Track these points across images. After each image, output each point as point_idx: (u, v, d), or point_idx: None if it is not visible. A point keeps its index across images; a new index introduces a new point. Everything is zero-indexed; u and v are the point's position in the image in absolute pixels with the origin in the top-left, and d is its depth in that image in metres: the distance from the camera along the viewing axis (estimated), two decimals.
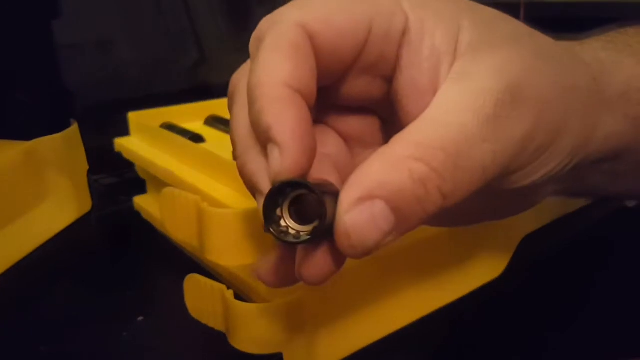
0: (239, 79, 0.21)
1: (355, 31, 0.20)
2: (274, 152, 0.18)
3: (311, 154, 0.18)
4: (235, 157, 0.21)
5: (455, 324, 0.33)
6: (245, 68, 0.21)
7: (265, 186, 0.19)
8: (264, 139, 0.19)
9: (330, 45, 0.19)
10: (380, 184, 0.17)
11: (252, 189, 0.20)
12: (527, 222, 0.37)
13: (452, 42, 0.20)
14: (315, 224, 0.17)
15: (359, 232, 0.17)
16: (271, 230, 0.17)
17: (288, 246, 0.19)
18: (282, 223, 0.18)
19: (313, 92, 0.19)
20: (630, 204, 0.44)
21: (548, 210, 0.39)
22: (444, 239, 0.32)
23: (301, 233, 0.17)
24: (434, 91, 0.20)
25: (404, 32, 0.20)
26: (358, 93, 0.22)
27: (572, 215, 0.40)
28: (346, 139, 0.23)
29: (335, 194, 0.18)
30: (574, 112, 0.21)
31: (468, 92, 0.19)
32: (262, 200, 0.18)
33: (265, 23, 0.20)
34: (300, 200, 0.18)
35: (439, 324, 0.32)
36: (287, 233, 0.18)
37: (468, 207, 0.21)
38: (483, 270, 0.35)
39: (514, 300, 0.35)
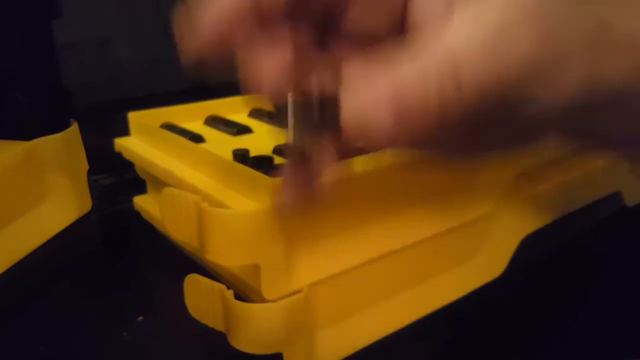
0: None
1: None
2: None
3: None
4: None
5: (455, 324, 0.33)
6: None
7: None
8: None
9: None
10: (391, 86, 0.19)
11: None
12: (528, 222, 0.37)
13: None
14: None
15: (365, 125, 0.19)
16: None
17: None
18: None
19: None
20: (631, 203, 0.44)
21: (548, 210, 0.39)
22: (444, 239, 0.32)
23: None
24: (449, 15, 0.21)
25: None
26: (370, 20, 0.23)
27: (572, 215, 0.40)
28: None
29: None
30: (581, 43, 0.22)
31: (483, 11, 0.20)
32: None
33: None
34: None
35: (439, 323, 0.32)
36: None
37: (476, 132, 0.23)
38: (483, 270, 0.35)
39: (514, 300, 0.35)
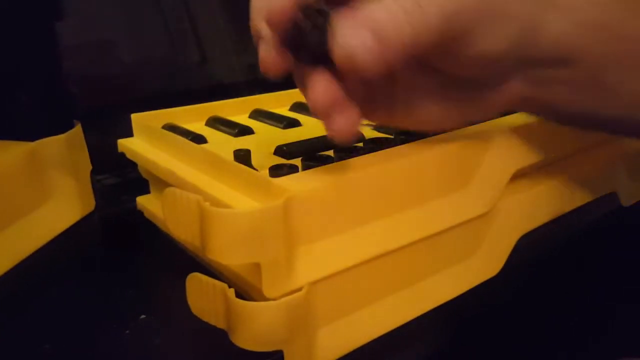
0: None
1: None
2: None
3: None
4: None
5: (452, 322, 0.33)
6: None
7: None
8: None
9: None
10: (369, 19, 0.24)
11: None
12: (524, 221, 0.38)
13: None
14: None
15: (352, 47, 0.24)
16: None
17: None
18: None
19: None
20: (627, 203, 0.44)
21: (545, 209, 0.39)
22: (442, 238, 0.32)
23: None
24: None
25: None
26: None
27: (568, 214, 0.40)
28: None
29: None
30: (517, 2, 0.26)
31: None
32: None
33: None
34: None
35: (437, 321, 0.32)
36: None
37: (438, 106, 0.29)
38: (480, 269, 0.35)
39: (511, 298, 0.35)
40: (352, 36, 0.24)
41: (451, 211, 0.32)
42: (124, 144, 0.42)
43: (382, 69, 0.24)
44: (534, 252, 0.38)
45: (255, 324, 0.26)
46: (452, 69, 0.29)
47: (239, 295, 0.26)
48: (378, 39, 0.24)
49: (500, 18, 0.26)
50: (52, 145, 0.41)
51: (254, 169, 0.33)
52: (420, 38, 0.25)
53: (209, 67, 0.59)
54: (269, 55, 0.26)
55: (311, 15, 0.25)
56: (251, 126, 0.43)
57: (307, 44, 0.25)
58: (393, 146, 0.33)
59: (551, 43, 0.28)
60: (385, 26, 0.24)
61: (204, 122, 0.46)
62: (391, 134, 0.39)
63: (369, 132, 0.40)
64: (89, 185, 0.45)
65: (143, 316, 0.33)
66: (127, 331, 0.32)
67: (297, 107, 0.49)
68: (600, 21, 0.28)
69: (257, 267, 0.26)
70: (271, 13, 0.25)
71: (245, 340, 0.27)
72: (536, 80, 0.29)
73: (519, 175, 0.37)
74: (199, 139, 0.40)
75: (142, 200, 0.43)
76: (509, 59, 0.28)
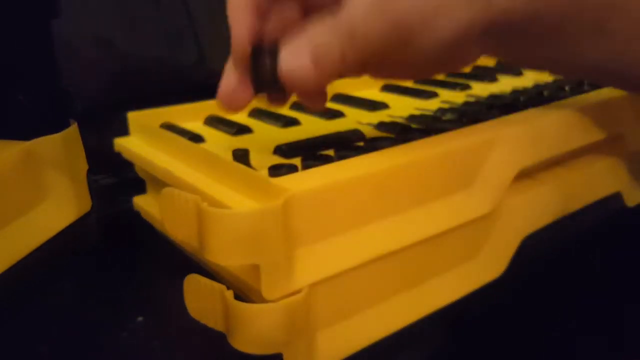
0: None
1: None
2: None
3: (252, 31, 0.29)
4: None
5: (455, 324, 0.33)
6: None
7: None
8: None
9: None
10: (309, 41, 0.27)
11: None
12: (528, 221, 0.38)
13: None
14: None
15: (292, 70, 0.27)
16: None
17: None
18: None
19: None
20: (631, 203, 0.44)
21: (549, 209, 0.39)
22: (445, 239, 0.32)
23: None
24: None
25: None
26: None
27: (572, 215, 0.40)
28: (310, 8, 0.31)
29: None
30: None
31: None
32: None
33: None
34: None
35: (440, 324, 0.32)
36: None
37: (417, 61, 0.30)
38: (484, 270, 0.35)
39: (515, 300, 0.35)
40: (292, 60, 0.27)
41: (454, 211, 0.32)
42: (120, 143, 0.41)
43: (323, 84, 0.29)
44: (538, 253, 0.38)
45: (254, 327, 0.26)
46: (412, 59, 0.30)
47: (238, 297, 0.26)
48: (315, 60, 0.27)
49: (440, 15, 0.28)
50: (48, 145, 0.41)
51: (253, 168, 0.33)
52: (357, 55, 0.27)
53: (207, 65, 0.59)
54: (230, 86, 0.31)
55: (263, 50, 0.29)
56: (250, 125, 0.43)
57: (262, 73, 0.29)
58: (394, 145, 0.32)
59: (502, 11, 0.29)
60: (320, 49, 0.27)
61: (202, 121, 0.46)
62: (392, 134, 0.39)
63: (370, 132, 0.40)
64: (85, 185, 0.44)
65: (140, 318, 0.32)
66: (124, 333, 0.31)
67: (296, 105, 0.49)
68: None
69: (256, 268, 0.25)
70: (233, 50, 0.29)
71: (244, 343, 0.26)
72: (495, 42, 0.31)
73: (523, 175, 0.37)
74: (197, 138, 0.40)
75: (139, 201, 0.43)
76: (469, 35, 0.29)
